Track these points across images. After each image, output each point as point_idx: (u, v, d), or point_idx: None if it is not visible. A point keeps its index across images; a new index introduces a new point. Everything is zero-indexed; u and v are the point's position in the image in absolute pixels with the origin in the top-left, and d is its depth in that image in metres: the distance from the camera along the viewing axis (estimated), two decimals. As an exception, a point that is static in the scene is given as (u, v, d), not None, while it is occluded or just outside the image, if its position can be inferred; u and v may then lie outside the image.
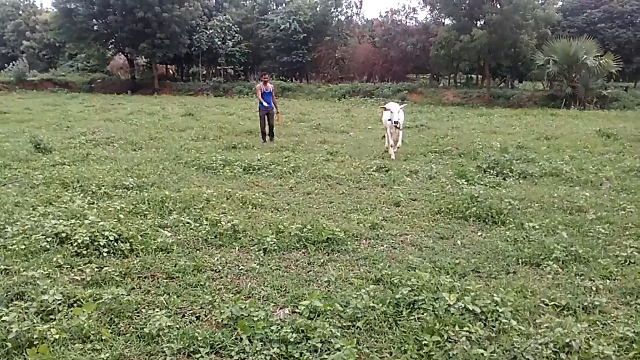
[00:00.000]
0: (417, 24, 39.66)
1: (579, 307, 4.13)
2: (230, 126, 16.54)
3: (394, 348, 3.49)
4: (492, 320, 3.73)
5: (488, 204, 6.83)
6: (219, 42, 39.27)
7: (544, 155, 11.35)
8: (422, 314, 3.81)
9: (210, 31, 39.09)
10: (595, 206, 7.16)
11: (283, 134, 15.09)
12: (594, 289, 4.49)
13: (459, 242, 5.82)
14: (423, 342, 3.44)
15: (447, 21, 34.45)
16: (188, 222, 6.08)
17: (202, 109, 23.27)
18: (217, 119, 18.77)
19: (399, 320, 3.81)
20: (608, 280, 4.73)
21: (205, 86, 39.51)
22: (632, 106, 28.10)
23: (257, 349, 3.44)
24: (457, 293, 4.03)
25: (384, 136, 12.19)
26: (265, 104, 13.29)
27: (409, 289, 4.17)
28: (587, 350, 3.37)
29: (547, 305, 4.13)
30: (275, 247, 5.41)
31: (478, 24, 31.84)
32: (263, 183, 8.68)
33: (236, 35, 40.26)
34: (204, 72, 44.20)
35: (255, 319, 3.73)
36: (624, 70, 34.33)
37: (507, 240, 5.78)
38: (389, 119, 11.31)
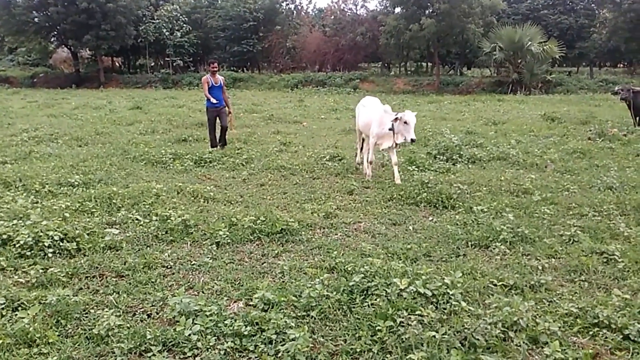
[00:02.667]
0: (367, 13, 39.90)
1: (526, 286, 4.26)
2: (180, 119, 16.21)
3: (348, 335, 3.51)
4: (443, 303, 3.80)
5: (438, 189, 6.97)
6: (167, 33, 38.32)
7: (491, 140, 11.64)
8: (375, 299, 3.86)
9: (158, 21, 38.10)
10: (541, 188, 7.40)
11: (236, 124, 14.87)
12: (540, 268, 4.65)
13: (410, 227, 5.91)
14: (376, 328, 3.47)
15: (397, 10, 34.78)
16: (137, 219, 5.92)
17: (151, 102, 22.72)
18: (166, 112, 18.35)
19: (353, 307, 3.84)
20: (553, 259, 4.90)
21: (153, 78, 38.56)
22: (575, 90, 29.20)
23: (211, 344, 3.39)
24: (409, 278, 4.09)
25: (361, 148, 9.14)
26: (214, 100, 10.73)
27: (362, 275, 4.19)
28: (534, 328, 3.48)
29: (495, 285, 4.25)
30: (228, 240, 5.35)
31: (426, 13, 32.30)
32: (215, 176, 8.56)
33: (184, 25, 39.38)
34: (152, 64, 43.15)
35: (208, 313, 3.68)
36: (567, 56, 35.68)
37: (457, 224, 5.91)
38: (394, 131, 7.91)
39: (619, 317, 3.61)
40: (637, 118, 13.71)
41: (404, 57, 40.28)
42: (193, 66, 44.59)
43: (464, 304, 3.74)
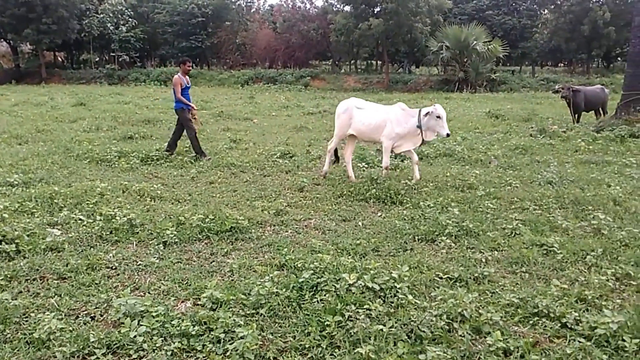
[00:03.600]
0: (317, 10, 40.00)
1: (470, 278, 4.39)
2: (126, 115, 15.76)
3: (297, 331, 3.52)
4: (391, 296, 3.87)
5: (387, 186, 7.07)
6: (112, 27, 37.17)
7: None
8: (325, 295, 3.88)
9: (102, 15, 36.88)
10: (485, 183, 7.63)
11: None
12: (484, 260, 4.80)
13: (360, 223, 5.97)
14: (325, 323, 3.50)
15: (347, 8, 35.01)
16: (80, 219, 5.73)
17: (95, 98, 22.00)
18: (111, 109, 17.80)
19: (303, 304, 3.85)
20: (496, 252, 5.06)
21: (98, 74, 37.29)
22: (518, 88, 30.26)
23: (157, 345, 3.33)
24: (358, 273, 4.14)
25: (336, 153, 8.55)
26: (185, 102, 9.84)
27: (312, 272, 4.21)
28: (477, 318, 3.59)
29: (441, 278, 4.36)
30: (176, 240, 5.26)
31: (375, 12, 32.69)
32: (162, 174, 8.38)
33: (130, 19, 38.29)
34: (97, 59, 41.67)
35: (155, 314, 3.61)
36: (511, 55, 36.92)
37: (405, 219, 6.01)
38: (421, 128, 7.41)
39: (557, 306, 3.77)
40: (576, 115, 14.36)
41: (354, 55, 40.67)
42: (140, 61, 43.45)
43: (410, 297, 3.82)
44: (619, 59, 41.52)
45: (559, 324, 3.60)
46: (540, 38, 38.85)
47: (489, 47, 29.28)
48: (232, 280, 4.38)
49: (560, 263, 4.74)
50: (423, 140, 7.64)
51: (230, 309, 3.74)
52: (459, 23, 33.34)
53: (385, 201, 6.76)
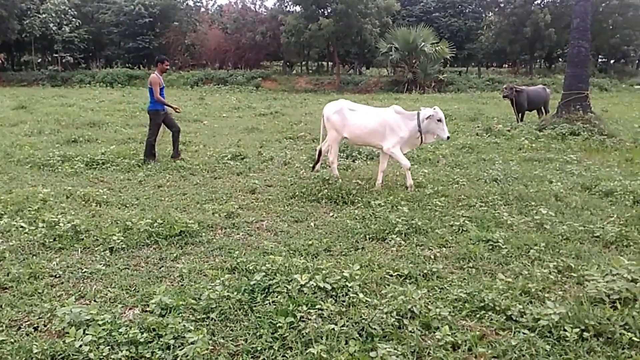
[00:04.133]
0: (267, 11, 39.88)
1: (419, 274, 4.47)
2: (70, 118, 15.24)
3: (249, 334, 3.49)
4: (342, 295, 3.89)
5: (339, 186, 7.12)
6: (55, 28, 35.93)
7: (389, 137, 12.06)
8: (277, 297, 3.86)
9: (44, 15, 35.58)
10: (433, 182, 7.80)
11: (131, 124, 14.27)
12: (433, 257, 4.90)
13: (312, 224, 5.99)
14: (277, 325, 3.48)
15: (297, 8, 35.07)
16: (22, 226, 5.49)
17: (37, 101, 21.19)
18: (54, 111, 17.19)
19: (254, 306, 3.82)
20: (444, 248, 5.18)
21: (40, 76, 36.00)
22: (465, 89, 31.09)
23: (104, 354, 3.23)
24: (310, 273, 4.14)
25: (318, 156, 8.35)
26: (165, 103, 9.52)
27: (264, 274, 4.19)
28: (426, 314, 3.66)
29: (391, 275, 4.42)
30: (123, 245, 5.11)
31: (325, 13, 32.89)
32: (108, 178, 8.15)
33: (74, 19, 37.10)
34: (39, 61, 40.21)
35: (101, 322, 3.50)
36: (457, 56, 37.86)
37: (356, 219, 6.07)
38: (421, 131, 7.30)
39: (502, 300, 3.89)
40: (520, 114, 14.87)
41: (304, 56, 40.78)
42: (84, 63, 42.13)
43: (361, 295, 3.86)
44: (560, 59, 43.32)
45: (505, 317, 3.71)
46: (485, 40, 40.04)
47: (437, 48, 29.96)
48: (182, 285, 4.30)
49: (505, 257, 4.89)
50: (422, 142, 7.51)
51: (180, 315, 3.67)
52: (407, 25, 33.96)
53: (337, 201, 6.81)
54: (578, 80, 13.72)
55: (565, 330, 3.45)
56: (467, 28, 41.05)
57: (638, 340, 3.35)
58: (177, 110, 10.14)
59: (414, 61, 30.95)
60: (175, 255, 4.98)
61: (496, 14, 39.80)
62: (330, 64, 42.91)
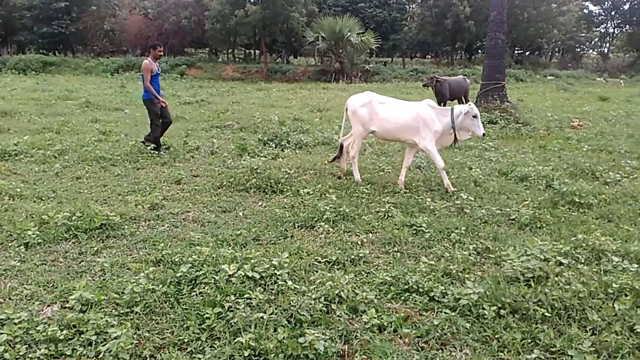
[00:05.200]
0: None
1: (347, 260, 4.55)
2: (-22, 107, 14.19)
3: (175, 327, 3.42)
4: (271, 284, 3.89)
5: (267, 175, 7.08)
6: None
7: (317, 127, 12.15)
8: (204, 288, 3.81)
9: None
10: (360, 169, 7.91)
11: (46, 113, 13.50)
12: (360, 242, 4.99)
13: (240, 213, 5.93)
14: (205, 316, 3.44)
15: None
16: None
17: (-61, 88, 19.58)
18: (-40, 100, 15.95)
19: (181, 299, 3.75)
20: (371, 234, 5.29)
21: (-57, 62, 33.19)
22: (390, 79, 31.79)
23: (21, 353, 3.06)
24: (238, 263, 4.11)
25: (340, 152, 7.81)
26: (153, 93, 8.94)
27: (190, 265, 4.12)
28: (354, 298, 3.73)
29: (320, 262, 4.47)
30: (40, 240, 4.84)
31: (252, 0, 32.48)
32: (22, 170, 7.66)
33: (-20, 1, 34.46)
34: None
35: (17, 321, 3.31)
36: (383, 47, 38.57)
37: (285, 207, 6.07)
38: (455, 127, 6.97)
39: (425, 282, 4.04)
40: (442, 104, 15.38)
41: (231, 43, 40.05)
42: (-7, 48, 39.31)
43: (290, 282, 3.87)
44: (479, 51, 45.15)
45: (428, 298, 3.86)
46: (408, 31, 41.01)
47: (363, 38, 30.37)
48: (104, 279, 4.13)
49: (428, 241, 5.07)
50: (455, 139, 7.11)
51: (102, 310, 3.53)
52: (333, 14, 34.18)
53: (266, 190, 6.77)
54: (495, 71, 14.37)
55: (483, 308, 3.63)
56: (392, 19, 41.89)
57: (550, 315, 3.58)
58: (163, 103, 9.22)
59: (340, 51, 31.20)
60: (96, 249, 4.77)
61: (419, 5, 40.86)
62: (257, 52, 42.44)
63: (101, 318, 3.34)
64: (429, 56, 53.01)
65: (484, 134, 6.94)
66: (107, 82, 26.36)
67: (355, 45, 30.14)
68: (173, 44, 38.95)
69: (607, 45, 52.42)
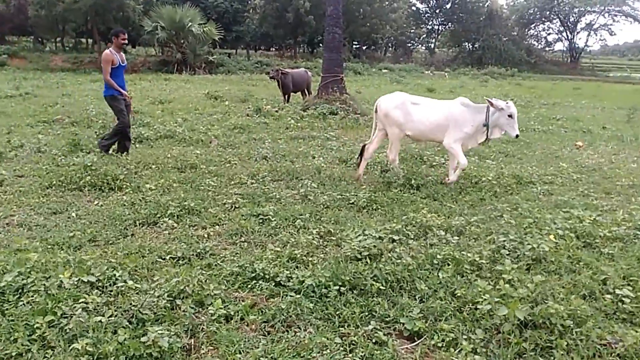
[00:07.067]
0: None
1: (193, 254, 4.47)
2: None
3: (1, 340, 3.10)
4: (110, 285, 3.69)
5: (104, 171, 6.66)
6: None
7: (158, 119, 11.70)
8: (33, 296, 3.48)
9: None
10: (206, 162, 7.82)
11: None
12: (206, 235, 4.94)
13: (74, 214, 5.50)
14: (35, 326, 3.15)
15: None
16: None
17: None
18: None
19: (6, 310, 3.39)
20: (217, 226, 5.26)
21: None
22: (235, 71, 31.60)
23: None
24: (72, 267, 3.83)
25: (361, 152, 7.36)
26: (114, 87, 7.86)
27: (16, 274, 3.74)
28: (200, 292, 3.69)
29: (164, 259, 4.33)
30: None
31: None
32: None
33: None
34: None
35: None
36: (226, 38, 38.09)
37: (125, 205, 5.77)
38: (488, 126, 6.70)
39: (272, 268, 4.13)
40: (286, 96, 15.71)
41: (59, 31, 36.70)
42: None
43: (131, 282, 3.71)
44: (320, 45, 46.73)
45: (274, 283, 3.94)
46: (251, 23, 41.06)
47: (205, 29, 29.75)
48: None
49: (275, 229, 5.18)
50: (487, 138, 6.82)
51: None
52: (172, 3, 32.92)
53: (103, 188, 6.37)
54: (334, 64, 15.01)
55: (326, 288, 3.82)
56: (234, 10, 41.58)
57: (384, 288, 3.88)
58: (127, 98, 8.10)
59: (182, 41, 30.24)
60: None
61: (261, -2, 41.08)
62: (91, 41, 39.40)
63: None
64: (273, 49, 53.66)
65: (517, 136, 6.65)
66: None
67: (197, 35, 29.41)
68: (-11, 31, 34.67)
69: (434, 41, 57.61)
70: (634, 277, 4.12)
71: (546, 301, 3.50)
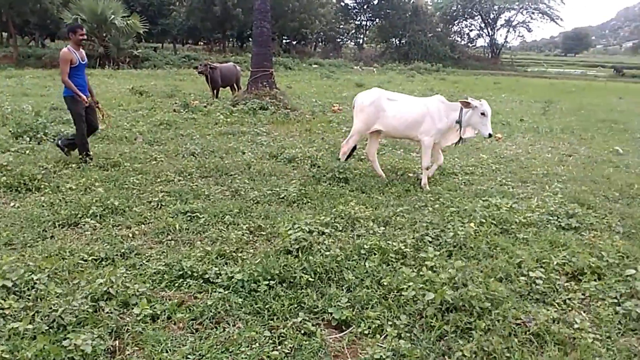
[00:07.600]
0: None
1: (117, 255, 4.34)
2: None
3: None
4: (28, 290, 3.53)
5: (20, 171, 6.32)
6: None
7: (80, 116, 11.18)
8: (-59, 306, 3.28)
9: None
10: (130, 160, 7.58)
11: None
12: (131, 235, 4.82)
13: (-14, 218, 5.20)
14: (-56, 337, 2.98)
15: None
16: None
17: None
18: None
19: None
20: (143, 225, 5.13)
21: None
22: (161, 65, 30.66)
23: None
24: (-15, 273, 3.63)
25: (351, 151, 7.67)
26: (72, 88, 7.09)
27: None
28: (124, 292, 3.60)
29: (86, 260, 4.19)
30: None
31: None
32: None
33: None
34: None
35: None
36: (151, 32, 36.94)
37: (43, 206, 5.51)
38: (461, 124, 6.72)
39: (200, 265, 4.09)
40: (215, 91, 15.47)
41: (-32, 23, 34.29)
42: None
43: (52, 286, 3.57)
44: (250, 39, 46.30)
45: (202, 280, 3.92)
46: (177, 16, 40.02)
47: (129, 22, 28.69)
48: None
49: (203, 226, 5.12)
50: (460, 138, 6.84)
51: None
52: (93, -5, 31.55)
53: (19, 189, 6.04)
54: (263, 59, 14.93)
55: (256, 282, 3.83)
56: (159, 3, 40.33)
57: (313, 279, 3.95)
58: (85, 102, 7.23)
59: (104, 35, 29.04)
60: None
61: (187, -10, 40.11)
62: (5, 34, 37.07)
63: None
64: (201, 43, 52.56)
65: (490, 135, 6.60)
66: None
67: (120, 29, 28.30)
68: None
69: (362, 36, 58.48)
70: (546, 260, 4.43)
71: (466, 285, 3.68)
